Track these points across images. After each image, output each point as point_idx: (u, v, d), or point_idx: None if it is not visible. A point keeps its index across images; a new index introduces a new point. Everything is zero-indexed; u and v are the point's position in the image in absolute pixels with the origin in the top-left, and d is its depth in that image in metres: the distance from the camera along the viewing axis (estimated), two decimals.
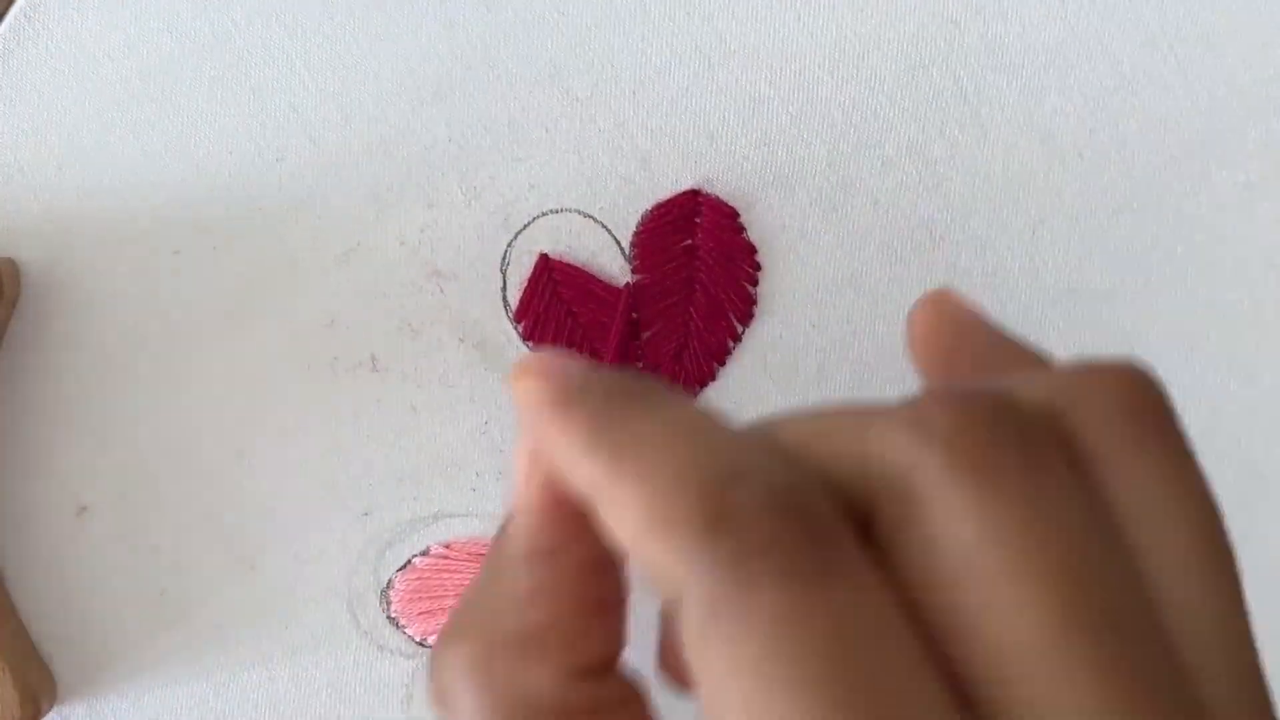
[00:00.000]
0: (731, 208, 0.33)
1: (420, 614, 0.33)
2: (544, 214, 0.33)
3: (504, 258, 0.33)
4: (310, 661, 0.33)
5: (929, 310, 0.21)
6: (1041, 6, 0.32)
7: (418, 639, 0.33)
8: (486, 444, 0.33)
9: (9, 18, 0.32)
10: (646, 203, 0.33)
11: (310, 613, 0.33)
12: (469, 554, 0.33)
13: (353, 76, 0.32)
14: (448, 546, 0.33)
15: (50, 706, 0.32)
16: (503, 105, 0.33)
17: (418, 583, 0.33)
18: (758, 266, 0.33)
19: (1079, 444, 0.17)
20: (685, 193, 0.33)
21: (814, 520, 0.16)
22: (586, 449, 0.18)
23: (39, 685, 0.32)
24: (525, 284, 0.33)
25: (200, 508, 0.33)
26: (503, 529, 0.21)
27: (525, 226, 0.33)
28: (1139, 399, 0.18)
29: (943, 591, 0.16)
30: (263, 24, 0.32)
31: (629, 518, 0.17)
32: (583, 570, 0.20)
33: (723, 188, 0.33)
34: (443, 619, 0.33)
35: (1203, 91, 0.33)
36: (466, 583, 0.33)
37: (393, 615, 0.33)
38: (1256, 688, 0.17)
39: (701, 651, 0.16)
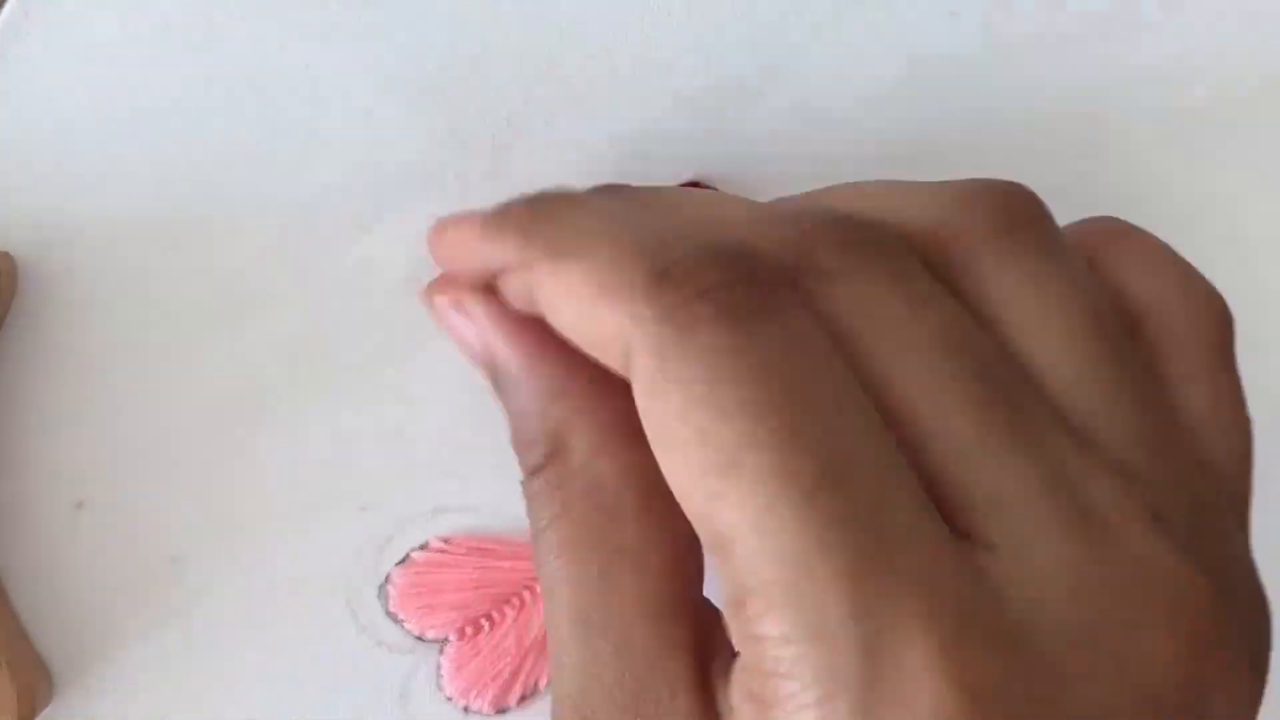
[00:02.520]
0: None
1: (419, 609, 0.33)
2: None
3: None
4: (307, 657, 0.33)
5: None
6: None
7: (416, 634, 0.33)
8: (486, 438, 0.33)
9: (4, 11, 0.32)
10: None
11: (308, 608, 0.33)
12: (468, 548, 0.33)
13: (348, 71, 0.32)
14: (447, 541, 0.33)
15: (46, 702, 0.32)
16: (500, 99, 0.32)
17: (416, 577, 0.33)
18: None
19: (955, 260, 0.21)
20: (684, 186, 0.33)
21: (750, 268, 0.18)
22: (522, 251, 0.20)
23: (35, 681, 0.31)
24: None
25: (197, 503, 0.32)
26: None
27: None
28: (1013, 213, 0.22)
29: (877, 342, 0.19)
30: (258, 19, 0.32)
31: (576, 296, 0.18)
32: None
33: (722, 182, 0.33)
34: (442, 614, 0.33)
35: (1205, 84, 0.33)
36: (466, 577, 0.33)
37: (391, 610, 0.33)
38: (1142, 442, 0.20)
39: (653, 402, 0.17)
